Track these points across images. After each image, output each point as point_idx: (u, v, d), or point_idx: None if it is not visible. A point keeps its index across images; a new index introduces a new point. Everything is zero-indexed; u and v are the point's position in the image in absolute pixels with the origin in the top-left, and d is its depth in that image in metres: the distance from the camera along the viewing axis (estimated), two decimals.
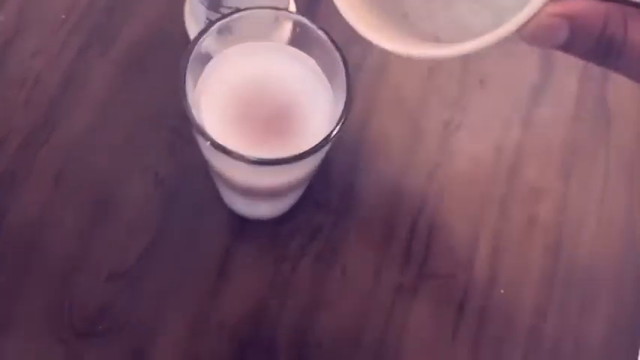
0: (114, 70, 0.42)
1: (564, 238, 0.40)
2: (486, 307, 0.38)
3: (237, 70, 0.31)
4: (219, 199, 0.39)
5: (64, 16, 0.43)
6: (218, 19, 0.30)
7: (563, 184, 0.42)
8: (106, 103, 0.41)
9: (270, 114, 0.30)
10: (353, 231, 0.39)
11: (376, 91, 0.43)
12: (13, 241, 0.37)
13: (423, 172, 0.41)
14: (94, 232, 0.38)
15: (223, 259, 0.38)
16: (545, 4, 0.21)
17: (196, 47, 0.29)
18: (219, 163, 0.31)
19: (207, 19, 0.38)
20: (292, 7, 0.42)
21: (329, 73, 0.31)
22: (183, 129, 0.40)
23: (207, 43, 0.30)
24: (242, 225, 0.39)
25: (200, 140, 0.29)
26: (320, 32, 0.30)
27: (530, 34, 0.21)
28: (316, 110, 0.31)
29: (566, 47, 0.22)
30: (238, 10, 0.30)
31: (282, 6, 0.38)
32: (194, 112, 0.28)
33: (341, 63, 0.29)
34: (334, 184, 0.40)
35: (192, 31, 0.41)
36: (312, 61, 0.31)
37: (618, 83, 0.44)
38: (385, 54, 0.25)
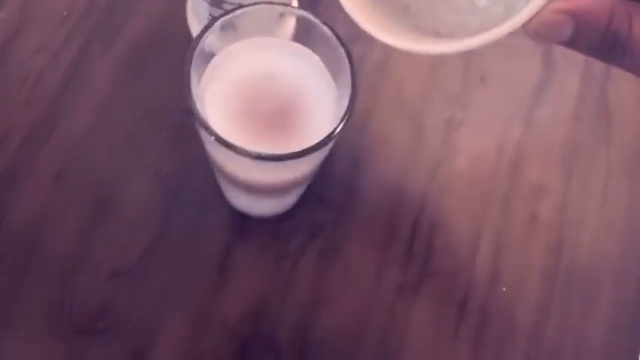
0: (115, 69, 0.42)
1: (565, 237, 0.40)
2: (488, 306, 0.38)
3: (241, 67, 0.31)
4: (219, 197, 0.39)
5: (65, 14, 0.43)
6: (221, 15, 0.30)
7: (564, 182, 0.42)
8: (107, 102, 0.41)
9: (273, 110, 0.30)
10: (354, 229, 0.39)
11: (378, 88, 0.43)
12: (14, 241, 0.37)
13: (425, 169, 0.41)
14: (95, 231, 0.38)
15: (224, 257, 0.38)
16: (549, 1, 0.21)
17: (200, 44, 0.29)
18: (222, 158, 0.31)
19: (210, 15, 0.37)
20: (295, 3, 0.41)
21: (333, 70, 0.31)
22: (184, 128, 0.40)
23: (211, 39, 0.30)
24: (243, 223, 0.39)
25: (204, 135, 0.28)
26: (325, 28, 0.30)
27: (535, 31, 0.21)
28: (320, 107, 0.31)
29: (571, 43, 0.22)
30: (241, 6, 0.30)
31: (284, 1, 0.38)
32: (198, 107, 0.28)
33: (346, 59, 0.29)
34: (336, 181, 0.40)
35: (195, 28, 0.41)
36: (316, 57, 0.31)
37: (619, 82, 0.44)
38: (387, 51, 0.24)
